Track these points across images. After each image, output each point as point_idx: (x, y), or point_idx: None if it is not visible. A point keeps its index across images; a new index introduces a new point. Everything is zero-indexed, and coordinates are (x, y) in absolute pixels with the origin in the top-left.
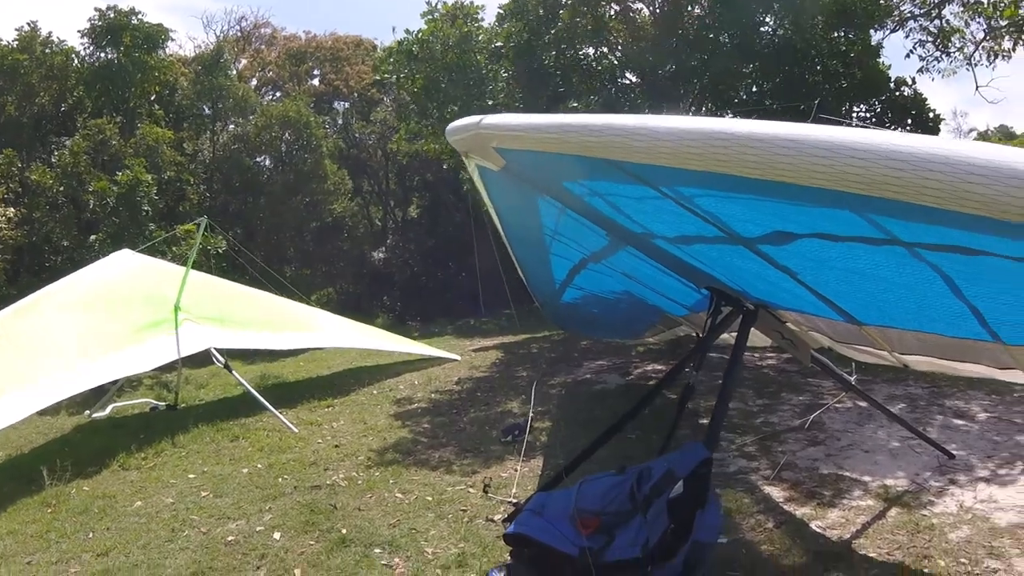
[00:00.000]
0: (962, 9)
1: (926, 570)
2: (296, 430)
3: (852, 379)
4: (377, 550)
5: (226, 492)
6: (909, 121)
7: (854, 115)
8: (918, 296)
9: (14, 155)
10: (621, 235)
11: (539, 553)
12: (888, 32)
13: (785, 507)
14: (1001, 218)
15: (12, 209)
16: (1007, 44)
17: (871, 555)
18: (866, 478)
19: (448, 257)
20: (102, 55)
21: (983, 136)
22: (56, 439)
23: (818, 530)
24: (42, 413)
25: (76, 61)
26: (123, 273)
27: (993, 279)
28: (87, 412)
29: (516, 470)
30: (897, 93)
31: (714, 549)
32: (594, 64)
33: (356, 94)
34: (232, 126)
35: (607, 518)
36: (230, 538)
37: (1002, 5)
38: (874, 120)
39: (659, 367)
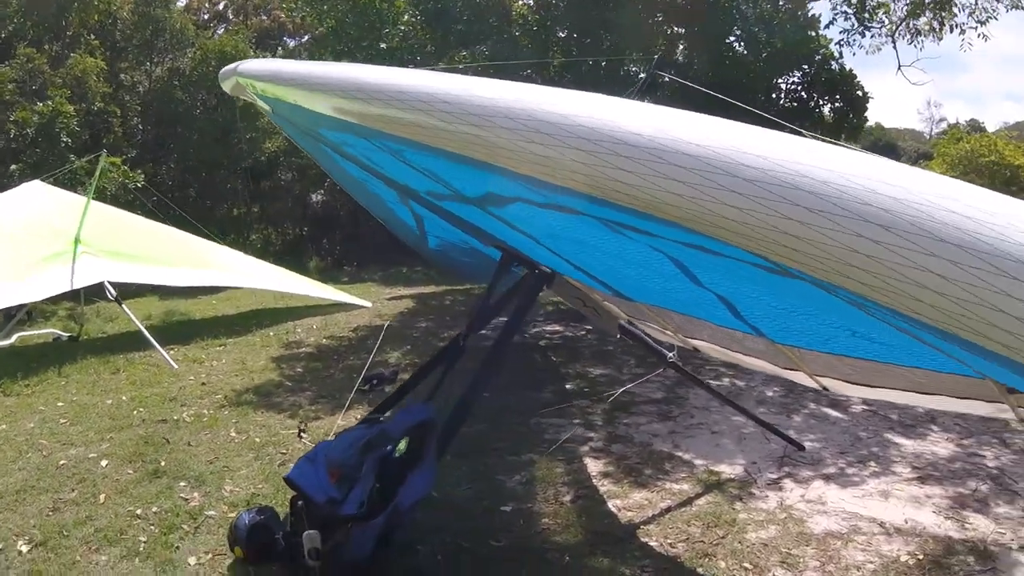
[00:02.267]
0: None
1: (699, 569)
2: (176, 367)
3: (671, 355)
4: (183, 483)
5: (82, 420)
6: (837, 97)
7: (782, 86)
8: (657, 275)
9: None
10: (393, 186)
11: (303, 498)
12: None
13: (594, 481)
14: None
15: None
16: (929, 22)
17: (651, 544)
18: (698, 461)
19: None
20: None
21: (952, 127)
22: None
23: (613, 510)
24: None
25: None
26: (30, 204)
27: (727, 273)
28: None
29: (357, 419)
30: (825, 67)
31: (416, 511)
32: (493, 12)
33: (303, 32)
34: (169, 59)
35: (346, 470)
36: (62, 462)
37: None
38: (801, 91)
39: (558, 327)
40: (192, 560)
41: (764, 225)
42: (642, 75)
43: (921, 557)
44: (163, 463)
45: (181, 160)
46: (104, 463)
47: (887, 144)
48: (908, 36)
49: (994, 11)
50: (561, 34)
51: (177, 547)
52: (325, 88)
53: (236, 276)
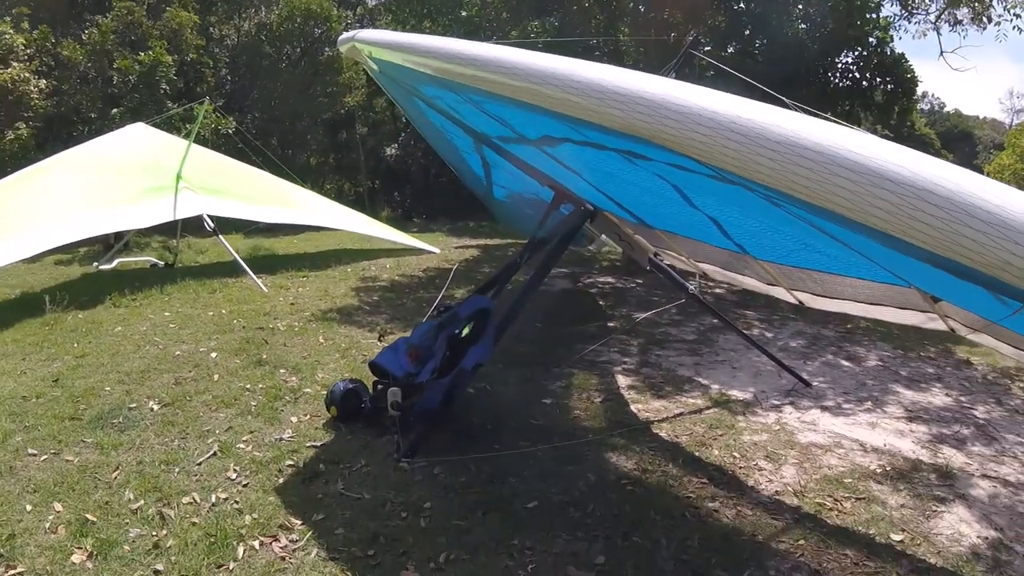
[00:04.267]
0: None
1: (696, 453)
2: (266, 290)
3: (691, 287)
4: (282, 370)
5: (188, 326)
6: (889, 79)
7: (838, 65)
8: (663, 200)
9: (48, 31)
10: (471, 133)
11: (384, 374)
12: None
13: (622, 391)
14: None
15: (44, 81)
16: (964, 12)
17: (661, 434)
18: (714, 385)
19: None
20: None
21: None
22: (64, 282)
23: (634, 411)
24: (58, 263)
25: None
26: (135, 143)
27: (713, 194)
28: (95, 264)
29: None
30: (879, 50)
31: (476, 371)
32: None
33: None
34: (262, 14)
35: (422, 350)
36: (177, 352)
37: None
38: (855, 72)
39: (611, 279)
40: (294, 419)
41: (717, 145)
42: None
43: (888, 469)
44: (264, 356)
45: (265, 110)
46: (214, 355)
47: (963, 131)
48: (949, 24)
49: None
50: (629, 5)
51: (281, 410)
52: (436, 54)
53: (319, 216)
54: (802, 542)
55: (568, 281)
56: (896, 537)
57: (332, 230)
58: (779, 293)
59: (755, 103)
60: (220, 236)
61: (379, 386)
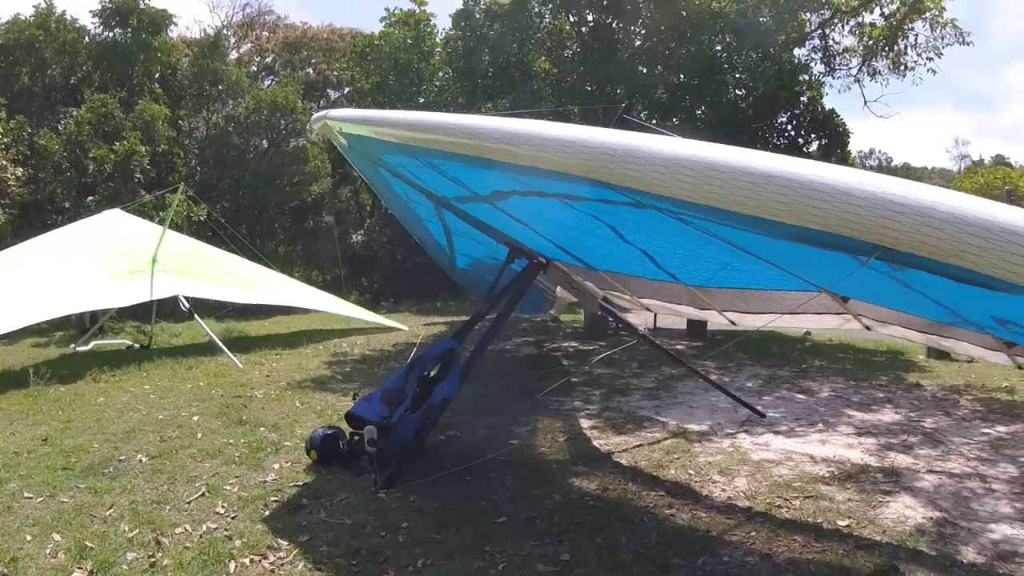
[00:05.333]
0: (847, 31)
1: (654, 474)
2: (241, 365)
3: (642, 329)
4: (262, 428)
5: (169, 396)
6: (823, 133)
7: (775, 125)
8: (601, 240)
9: (25, 121)
10: (432, 198)
11: (361, 424)
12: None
13: (585, 431)
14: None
15: (20, 169)
16: (882, 63)
17: (621, 462)
18: (672, 421)
19: None
20: (110, 34)
21: (977, 164)
22: (44, 360)
23: (597, 446)
24: (35, 345)
25: (86, 38)
26: (113, 227)
27: (638, 226)
28: (72, 345)
29: None
30: (811, 108)
31: (446, 407)
32: (517, 69)
33: (346, 85)
34: (229, 106)
35: (395, 394)
36: (160, 416)
37: (869, 27)
38: (792, 130)
39: (574, 343)
40: (276, 465)
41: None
42: (641, 117)
43: (837, 473)
44: (244, 417)
45: (233, 200)
46: (195, 418)
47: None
48: (870, 75)
49: (940, 49)
50: (576, 86)
51: (264, 459)
52: (397, 123)
53: (290, 296)
54: (753, 534)
55: (533, 347)
56: (842, 523)
57: (302, 313)
58: (713, 316)
59: (675, 140)
60: (196, 316)
61: (355, 437)
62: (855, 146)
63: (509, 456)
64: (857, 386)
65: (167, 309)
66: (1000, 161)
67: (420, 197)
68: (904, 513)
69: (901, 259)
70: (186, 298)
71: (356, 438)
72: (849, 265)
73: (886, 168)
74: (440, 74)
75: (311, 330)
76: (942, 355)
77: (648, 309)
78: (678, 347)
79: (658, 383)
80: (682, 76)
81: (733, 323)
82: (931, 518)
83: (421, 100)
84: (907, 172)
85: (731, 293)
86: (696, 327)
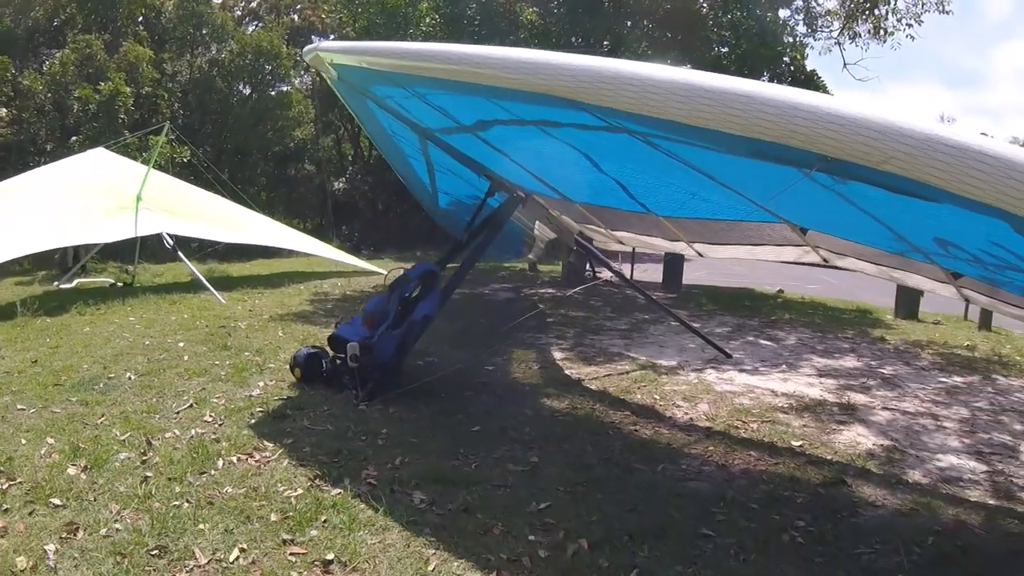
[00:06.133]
0: None
1: (622, 398)
2: (224, 301)
3: (617, 266)
4: (247, 353)
5: (154, 326)
6: None
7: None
8: (578, 170)
9: (8, 62)
10: (417, 130)
11: (343, 344)
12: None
13: (558, 362)
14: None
15: (4, 110)
16: (865, 27)
17: (590, 387)
18: (642, 357)
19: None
20: None
21: None
22: (28, 296)
23: (568, 374)
24: (19, 283)
25: None
26: (98, 166)
27: (611, 152)
28: (55, 283)
29: None
30: (792, 69)
31: (427, 324)
32: (504, 19)
33: (331, 31)
34: (213, 51)
35: (378, 315)
36: (147, 342)
37: None
38: None
39: (551, 290)
40: (261, 383)
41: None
42: None
43: (795, 405)
44: (229, 343)
45: (216, 144)
46: (181, 344)
47: None
48: (850, 38)
49: (919, 16)
50: (561, 38)
51: (249, 378)
52: (387, 52)
53: (273, 237)
54: (711, 448)
55: (511, 293)
56: (796, 443)
57: (284, 256)
58: (682, 248)
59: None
60: (180, 253)
61: (338, 360)
62: None
63: (485, 379)
64: (823, 337)
65: (149, 250)
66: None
67: (405, 131)
68: (856, 439)
69: (841, 169)
70: (170, 236)
71: (339, 360)
72: (796, 178)
73: None
74: (427, 20)
75: (292, 272)
76: (910, 315)
77: (621, 242)
78: (656, 296)
79: (631, 326)
80: (668, 33)
81: (701, 254)
82: (882, 445)
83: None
84: None
85: (698, 224)
86: (671, 279)
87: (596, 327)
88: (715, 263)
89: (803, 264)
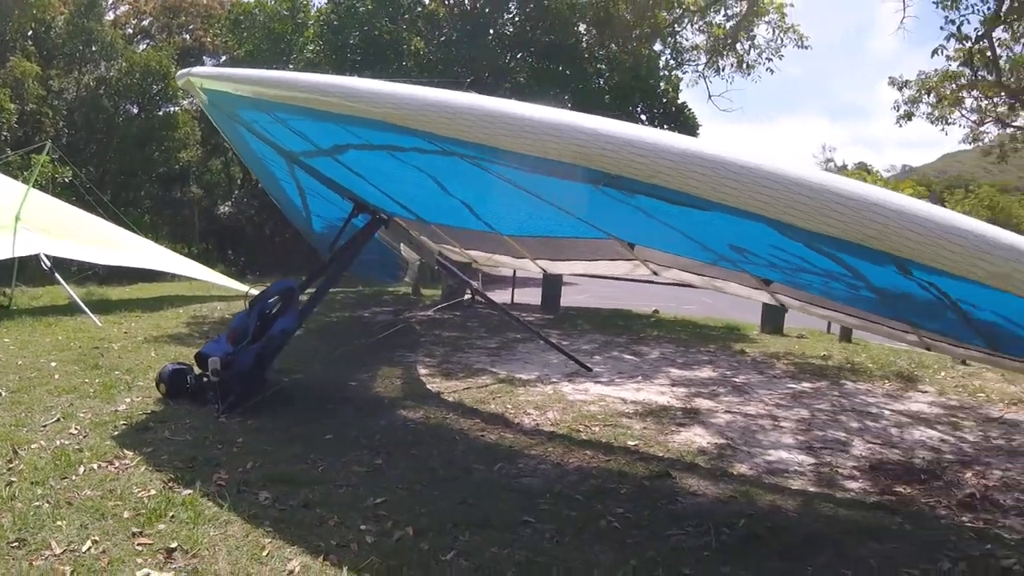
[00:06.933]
0: (697, 28)
1: (476, 407)
2: (100, 324)
3: (476, 284)
4: (117, 372)
5: (27, 347)
6: (674, 124)
7: (633, 113)
8: (428, 192)
9: None
10: (283, 153)
11: (205, 359)
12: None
13: (421, 378)
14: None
15: None
16: (729, 61)
17: (447, 399)
18: (503, 372)
19: None
20: None
21: (840, 169)
22: None
23: (429, 388)
24: None
25: None
26: None
27: (453, 175)
28: None
29: None
30: (664, 101)
31: (286, 339)
32: (389, 48)
33: (222, 53)
34: (101, 68)
35: (240, 331)
36: (19, 362)
37: (716, 27)
38: (646, 120)
39: (429, 313)
40: (128, 399)
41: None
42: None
43: (640, 411)
44: (100, 363)
45: (99, 165)
46: (53, 363)
47: None
48: (715, 72)
49: (778, 50)
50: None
51: (116, 395)
52: (248, 80)
53: (154, 260)
54: (551, 449)
55: (390, 315)
56: (632, 443)
57: (166, 279)
58: (527, 265)
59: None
60: (57, 275)
61: (204, 377)
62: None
63: (348, 393)
64: (686, 351)
65: (28, 273)
66: (862, 167)
67: (273, 154)
68: (691, 439)
69: (624, 184)
70: (48, 257)
71: (205, 378)
72: (592, 192)
73: None
74: (311, 47)
75: (173, 296)
76: (775, 330)
77: (475, 261)
78: (529, 319)
79: (501, 344)
80: (549, 64)
81: (544, 270)
82: (715, 443)
83: (291, 69)
84: None
85: (538, 241)
86: (549, 301)
87: (466, 345)
88: (597, 287)
89: (633, 280)
